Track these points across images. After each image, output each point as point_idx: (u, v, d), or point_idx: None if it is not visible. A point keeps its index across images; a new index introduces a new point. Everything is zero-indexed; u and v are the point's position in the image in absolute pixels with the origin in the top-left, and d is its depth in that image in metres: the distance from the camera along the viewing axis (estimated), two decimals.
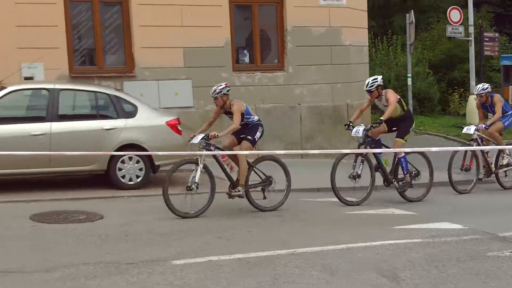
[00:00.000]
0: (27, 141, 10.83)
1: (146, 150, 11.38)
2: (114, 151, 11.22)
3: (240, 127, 10.19)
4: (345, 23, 16.76)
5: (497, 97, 13.41)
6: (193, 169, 9.88)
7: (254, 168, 10.51)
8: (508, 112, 13.42)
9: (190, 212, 9.81)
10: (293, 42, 16.21)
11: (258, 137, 10.42)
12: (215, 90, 10.26)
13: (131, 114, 11.78)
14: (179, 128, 12.11)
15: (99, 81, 14.27)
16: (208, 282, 6.78)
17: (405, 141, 11.62)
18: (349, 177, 11.03)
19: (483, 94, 13.23)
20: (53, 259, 7.53)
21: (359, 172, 11.06)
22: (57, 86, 11.63)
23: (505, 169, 13.50)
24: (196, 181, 9.78)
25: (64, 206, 9.61)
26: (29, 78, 13.63)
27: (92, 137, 11.20)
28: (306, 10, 16.22)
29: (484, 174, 13.30)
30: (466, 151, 13.07)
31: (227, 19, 15.58)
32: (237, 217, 10.14)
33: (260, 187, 10.62)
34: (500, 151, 13.37)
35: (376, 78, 11.51)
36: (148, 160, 11.67)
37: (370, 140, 11.30)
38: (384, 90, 11.51)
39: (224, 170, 10.28)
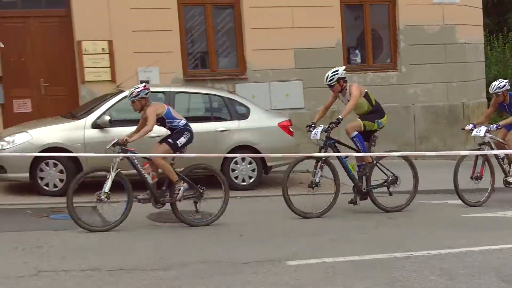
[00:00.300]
0: (146, 143, 11.08)
1: (259, 152, 11.46)
2: (227, 152, 11.36)
3: (151, 130, 9.20)
4: (460, 21, 16.34)
5: None
6: (108, 178, 8.95)
7: (186, 178, 9.46)
8: None
9: (99, 226, 9.03)
10: (405, 41, 15.94)
11: (182, 142, 9.33)
12: (132, 93, 9.22)
13: (244, 115, 11.92)
14: (291, 129, 12.13)
15: (212, 84, 14.51)
16: (323, 284, 6.73)
17: (363, 125, 10.21)
18: (308, 186, 9.91)
19: (499, 93, 11.32)
20: (169, 257, 7.69)
21: (317, 180, 9.85)
22: (173, 89, 11.92)
23: None
24: (106, 191, 8.90)
25: (180, 206, 9.79)
26: (145, 82, 14.00)
27: (206, 139, 11.37)
28: (419, 8, 15.92)
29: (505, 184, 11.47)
30: (477, 157, 11.14)
31: (338, 19, 15.51)
32: (350, 219, 10.05)
33: (192, 200, 9.48)
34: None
35: (337, 70, 10.21)
36: (261, 161, 11.74)
37: (332, 143, 10.06)
38: (348, 84, 10.28)
39: (145, 179, 9.27)
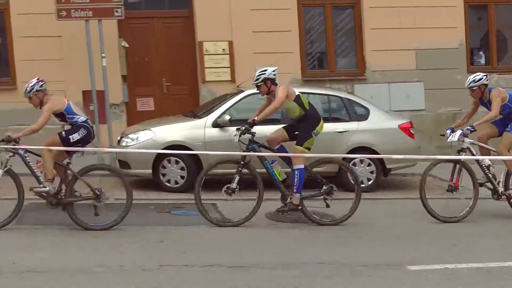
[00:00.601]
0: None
1: (378, 153, 11.29)
2: (346, 153, 11.24)
3: (38, 129, 8.72)
4: None
5: (496, 92, 9.94)
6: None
7: (82, 179, 8.83)
8: None
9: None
10: None
11: (76, 138, 8.73)
12: (26, 89, 8.73)
13: (363, 116, 11.76)
14: (412, 131, 11.89)
15: (330, 84, 14.44)
16: None
17: (307, 148, 9.31)
18: (226, 192, 9.23)
19: (475, 88, 9.91)
20: (289, 256, 7.72)
21: (233, 186, 9.19)
22: None
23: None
24: None
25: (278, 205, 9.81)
26: None
27: (325, 139, 11.27)
28: None
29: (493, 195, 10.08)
30: (455, 164, 9.80)
31: (462, 19, 15.10)
32: (471, 224, 9.71)
33: (92, 203, 8.87)
34: (510, 173, 10.00)
35: (265, 70, 9.36)
36: (380, 163, 11.56)
37: (257, 147, 9.33)
38: (278, 86, 9.33)
39: (37, 178, 8.74)
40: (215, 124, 11.30)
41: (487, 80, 10.01)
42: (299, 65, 14.63)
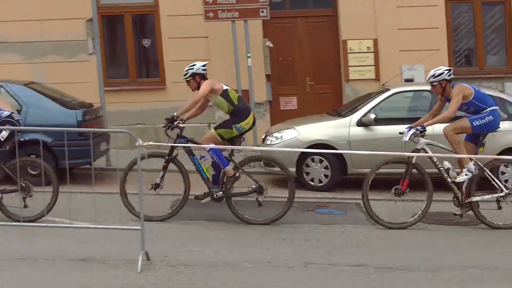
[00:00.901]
0: (409, 142, 10.93)
1: None
2: (497, 154, 10.80)
3: None
4: None
5: (457, 89, 8.99)
6: None
7: (7, 171, 8.56)
8: (485, 109, 9.07)
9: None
10: None
11: (5, 135, 8.41)
12: None
13: None
14: None
15: (479, 82, 13.96)
16: None
17: (219, 136, 8.95)
18: (151, 188, 8.91)
19: (435, 84, 9.05)
20: (438, 259, 7.51)
21: (157, 181, 8.93)
22: None
23: (478, 198, 9.05)
24: None
25: (448, 208, 9.52)
26: (409, 80, 13.86)
27: None
28: None
29: (457, 208, 9.18)
30: (408, 166, 8.97)
31: None
32: None
33: (21, 195, 8.56)
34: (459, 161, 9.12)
35: (193, 65, 9.07)
36: None
37: (185, 141, 9.00)
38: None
39: None
40: (360, 123, 11.19)
41: (450, 75, 9.10)
42: (446, 62, 14.22)
